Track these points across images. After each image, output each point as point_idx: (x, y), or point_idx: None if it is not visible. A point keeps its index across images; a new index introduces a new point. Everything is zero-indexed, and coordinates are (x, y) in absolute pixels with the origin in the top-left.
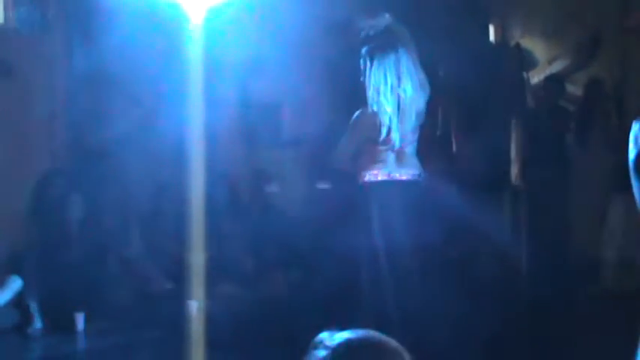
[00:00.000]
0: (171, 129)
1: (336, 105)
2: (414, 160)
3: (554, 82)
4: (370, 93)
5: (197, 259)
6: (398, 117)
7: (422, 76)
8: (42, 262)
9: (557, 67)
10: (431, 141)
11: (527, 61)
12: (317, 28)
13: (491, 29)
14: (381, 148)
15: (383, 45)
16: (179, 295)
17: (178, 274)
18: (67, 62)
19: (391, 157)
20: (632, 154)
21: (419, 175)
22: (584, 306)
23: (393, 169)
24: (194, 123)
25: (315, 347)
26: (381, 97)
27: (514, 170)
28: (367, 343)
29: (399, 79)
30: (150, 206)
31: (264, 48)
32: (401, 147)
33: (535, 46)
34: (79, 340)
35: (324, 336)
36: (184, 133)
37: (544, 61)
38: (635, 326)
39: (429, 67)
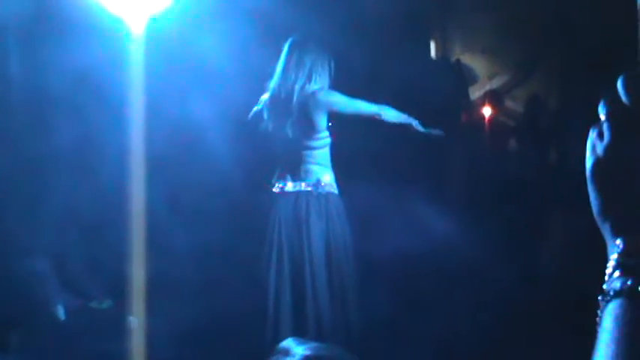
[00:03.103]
0: (112, 141)
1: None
2: (313, 170)
3: (494, 97)
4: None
5: (138, 274)
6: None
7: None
8: None
9: (497, 83)
10: (369, 155)
11: (467, 77)
12: (260, 38)
13: (432, 45)
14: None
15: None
16: (119, 311)
17: (119, 289)
18: (4, 74)
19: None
20: (589, 163)
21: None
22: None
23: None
24: (135, 135)
25: (279, 355)
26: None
27: (453, 185)
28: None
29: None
30: (90, 220)
31: (208, 58)
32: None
33: (475, 63)
34: (15, 358)
35: (290, 344)
36: (126, 146)
37: (484, 77)
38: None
39: (370, 83)
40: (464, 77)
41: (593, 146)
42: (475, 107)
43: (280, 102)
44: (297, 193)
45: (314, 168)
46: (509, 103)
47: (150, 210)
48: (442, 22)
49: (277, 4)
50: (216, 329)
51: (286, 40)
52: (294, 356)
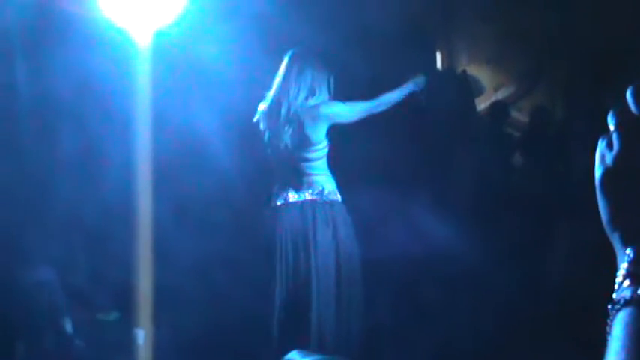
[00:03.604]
0: (119, 153)
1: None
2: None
3: (500, 108)
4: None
5: (144, 285)
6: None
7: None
8: None
9: (502, 93)
10: (375, 165)
11: (473, 88)
12: (266, 50)
13: (438, 56)
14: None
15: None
16: (126, 323)
17: (125, 301)
18: (10, 83)
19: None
20: (598, 173)
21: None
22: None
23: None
24: (141, 146)
25: None
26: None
27: (459, 195)
28: None
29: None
30: (96, 232)
31: (213, 69)
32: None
33: (481, 74)
34: None
35: (294, 357)
36: (132, 157)
37: (490, 88)
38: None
39: (375, 95)
40: (470, 88)
41: (602, 156)
42: (481, 118)
43: (280, 114)
44: (302, 203)
45: (316, 179)
46: (514, 114)
47: (156, 221)
48: (448, 33)
49: (284, 16)
50: (221, 340)
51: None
52: None
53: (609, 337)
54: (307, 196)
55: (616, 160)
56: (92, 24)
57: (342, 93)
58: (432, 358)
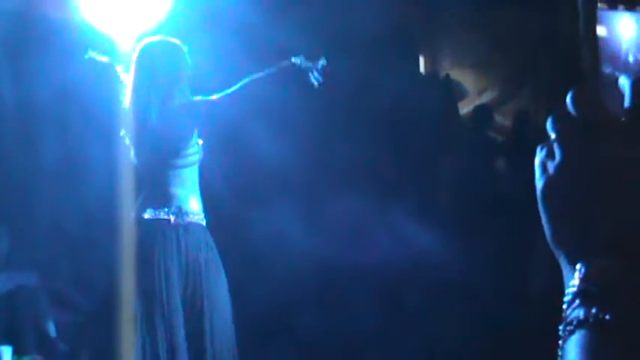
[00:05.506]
0: (101, 157)
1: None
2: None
3: (484, 112)
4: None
5: (128, 289)
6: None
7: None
8: None
9: (486, 97)
10: (359, 169)
11: (456, 92)
12: (249, 53)
13: (421, 60)
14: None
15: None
16: (109, 326)
17: (109, 304)
18: None
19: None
20: (539, 184)
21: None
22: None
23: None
24: (124, 151)
25: None
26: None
27: (442, 200)
28: None
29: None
30: (79, 236)
31: (194, 76)
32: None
33: (465, 78)
34: None
35: None
36: (114, 162)
37: (474, 92)
38: None
39: (359, 99)
40: (454, 92)
41: (543, 166)
42: (465, 122)
43: (142, 124)
44: (155, 222)
45: (178, 192)
46: (498, 118)
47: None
48: (432, 37)
49: (267, 20)
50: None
51: (276, 55)
52: None
53: None
54: (162, 214)
55: (559, 168)
56: (74, 29)
57: (324, 96)
58: None
